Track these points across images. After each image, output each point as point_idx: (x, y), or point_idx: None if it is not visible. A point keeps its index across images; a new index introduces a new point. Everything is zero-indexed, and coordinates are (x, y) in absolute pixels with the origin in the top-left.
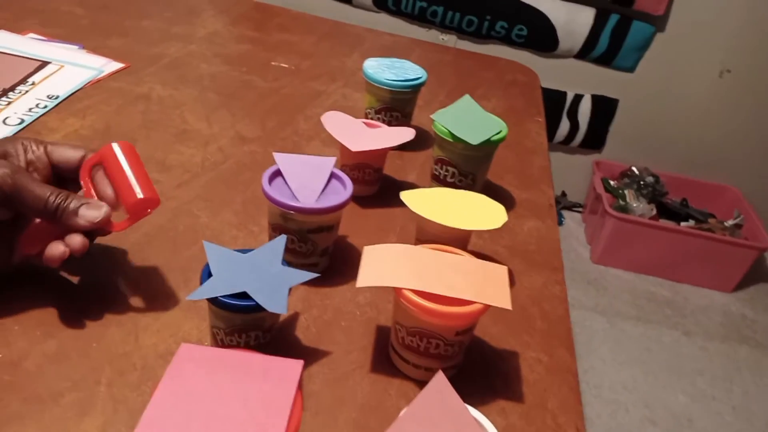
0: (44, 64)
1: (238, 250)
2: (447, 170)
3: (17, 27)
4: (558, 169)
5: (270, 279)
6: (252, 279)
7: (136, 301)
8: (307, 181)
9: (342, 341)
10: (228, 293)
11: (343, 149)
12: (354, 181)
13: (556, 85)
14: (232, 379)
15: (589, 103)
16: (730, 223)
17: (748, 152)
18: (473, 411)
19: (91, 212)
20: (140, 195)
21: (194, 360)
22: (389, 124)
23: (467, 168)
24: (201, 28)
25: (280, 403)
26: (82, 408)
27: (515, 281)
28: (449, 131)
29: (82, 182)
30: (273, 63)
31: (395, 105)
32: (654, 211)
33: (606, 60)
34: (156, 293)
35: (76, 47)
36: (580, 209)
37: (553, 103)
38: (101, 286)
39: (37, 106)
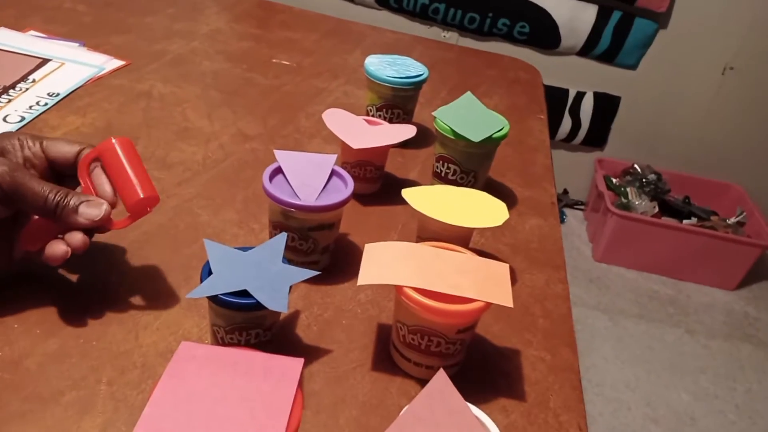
0: (45, 61)
1: (239, 248)
2: (448, 168)
3: (21, 24)
4: (560, 167)
5: (271, 277)
6: (253, 277)
7: (136, 300)
8: (308, 178)
9: (343, 339)
10: (228, 291)
11: (345, 147)
12: (355, 178)
13: (558, 82)
14: (232, 377)
15: (592, 101)
16: (732, 220)
17: (751, 150)
18: (475, 409)
19: (91, 210)
20: (141, 195)
21: (194, 358)
22: (390, 121)
23: (469, 165)
24: (204, 25)
25: (281, 401)
26: (82, 406)
27: (517, 279)
28: (451, 128)
29: (80, 179)
30: (274, 60)
31: (397, 102)
32: (656, 209)
33: (608, 57)
34: (156, 291)
35: (77, 44)
36: (582, 207)
37: (556, 100)
38: (101, 284)
39: (37, 103)
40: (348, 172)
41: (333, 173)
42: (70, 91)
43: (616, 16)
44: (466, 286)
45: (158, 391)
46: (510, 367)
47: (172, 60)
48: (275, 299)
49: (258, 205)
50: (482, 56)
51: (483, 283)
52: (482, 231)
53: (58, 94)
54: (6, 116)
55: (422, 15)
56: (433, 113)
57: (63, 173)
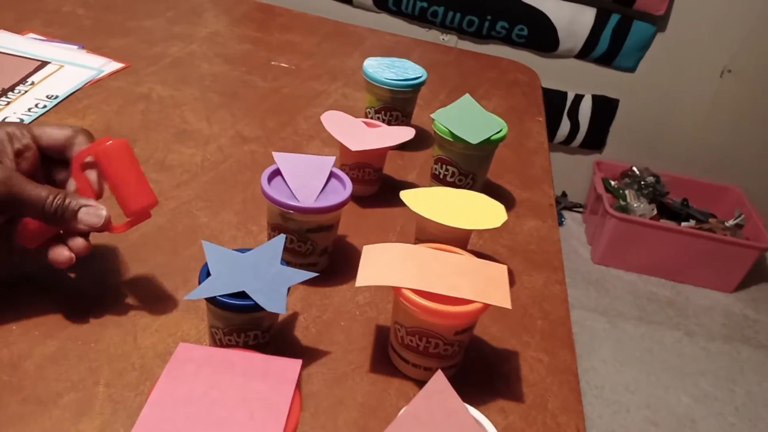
0: (44, 64)
1: (237, 250)
2: (447, 170)
3: (20, 27)
4: (558, 170)
5: (269, 278)
6: (251, 278)
7: (134, 301)
8: (307, 180)
9: (341, 341)
10: (227, 293)
11: (343, 149)
12: (354, 180)
13: (556, 85)
14: (230, 378)
15: (590, 103)
16: (731, 223)
17: (749, 152)
18: (473, 411)
19: (90, 219)
20: (141, 203)
21: (192, 359)
22: (389, 123)
23: (467, 167)
24: (203, 28)
25: (279, 402)
26: (80, 408)
27: (515, 281)
28: (449, 130)
29: (75, 179)
30: (273, 63)
31: (395, 104)
32: (655, 212)
33: (607, 60)
34: (155, 293)
35: (75, 47)
36: (580, 210)
37: (554, 103)
38: (100, 286)
39: (36, 106)
40: (346, 174)
41: (331, 175)
42: (69, 93)
43: (614, 18)
44: (464, 287)
45: (156, 392)
46: (508, 369)
47: (170, 63)
48: (273, 301)
49: (256, 207)
50: (481, 59)
51: (481, 285)
52: (481, 233)
53: (56, 97)
54: (5, 119)
55: (421, 18)
56: (431, 115)
57: (54, 158)
